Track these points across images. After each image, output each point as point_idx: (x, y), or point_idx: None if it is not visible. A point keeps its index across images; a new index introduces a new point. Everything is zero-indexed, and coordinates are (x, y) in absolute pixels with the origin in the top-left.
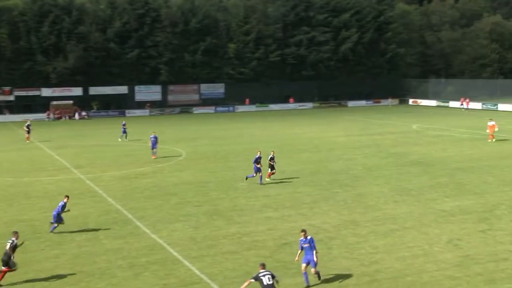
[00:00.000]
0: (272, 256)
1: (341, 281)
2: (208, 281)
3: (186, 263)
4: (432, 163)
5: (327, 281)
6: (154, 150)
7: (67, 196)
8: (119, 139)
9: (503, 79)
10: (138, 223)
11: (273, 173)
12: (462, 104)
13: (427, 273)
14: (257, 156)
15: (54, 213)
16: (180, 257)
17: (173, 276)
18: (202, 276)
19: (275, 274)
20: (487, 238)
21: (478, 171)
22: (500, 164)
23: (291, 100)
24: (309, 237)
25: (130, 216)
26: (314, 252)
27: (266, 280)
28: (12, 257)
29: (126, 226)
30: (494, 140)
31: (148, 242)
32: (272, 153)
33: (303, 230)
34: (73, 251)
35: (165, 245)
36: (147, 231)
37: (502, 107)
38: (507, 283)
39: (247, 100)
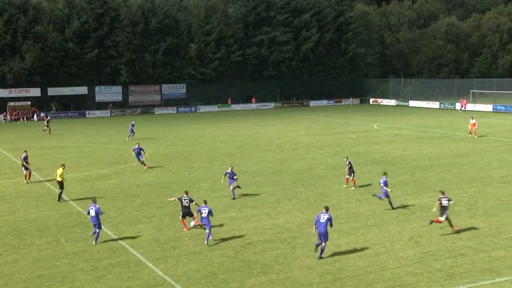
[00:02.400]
0: (236, 256)
1: (305, 280)
2: (172, 282)
3: (150, 264)
4: (392, 162)
5: (290, 279)
6: (141, 160)
7: None
8: (127, 139)
9: (459, 78)
10: None
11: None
12: (462, 106)
13: (389, 270)
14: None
15: None
16: (143, 259)
17: (136, 278)
18: (166, 277)
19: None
20: (446, 235)
21: (437, 169)
22: (458, 162)
23: (253, 100)
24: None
25: None
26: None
27: (185, 203)
28: None
29: (88, 228)
30: (476, 136)
31: (110, 244)
32: (346, 159)
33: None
34: (33, 255)
35: (128, 247)
36: (110, 233)
37: (459, 106)
38: (465, 278)
39: (229, 99)
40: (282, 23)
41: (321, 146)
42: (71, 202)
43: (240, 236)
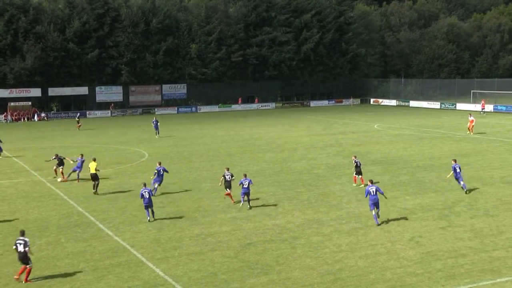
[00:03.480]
0: (237, 257)
1: (306, 280)
2: (173, 282)
3: (150, 265)
4: (393, 162)
5: (291, 280)
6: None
7: None
8: (156, 136)
9: (460, 79)
10: (101, 226)
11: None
12: (482, 108)
13: (390, 270)
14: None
15: None
16: (144, 259)
17: (137, 279)
18: (167, 277)
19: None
20: (447, 235)
21: (438, 169)
22: (459, 162)
23: (256, 100)
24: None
25: (92, 218)
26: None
27: (227, 178)
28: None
29: (89, 228)
30: (472, 133)
31: (111, 244)
32: (354, 157)
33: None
34: (33, 255)
35: (128, 247)
36: (110, 233)
37: (460, 106)
38: (466, 278)
39: (239, 99)
40: (283, 23)
41: (321, 147)
42: (71, 202)
43: (241, 237)
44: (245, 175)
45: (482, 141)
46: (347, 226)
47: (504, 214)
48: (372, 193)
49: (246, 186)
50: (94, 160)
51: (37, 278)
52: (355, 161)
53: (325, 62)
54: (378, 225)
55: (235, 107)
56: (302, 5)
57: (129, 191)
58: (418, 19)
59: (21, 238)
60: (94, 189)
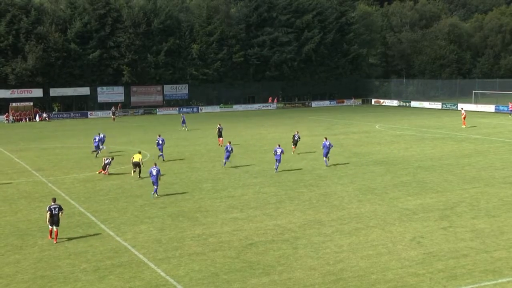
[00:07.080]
0: (238, 257)
1: (307, 280)
2: (174, 283)
3: (152, 265)
4: (395, 162)
5: (293, 280)
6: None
7: None
8: (186, 130)
9: (461, 79)
10: (102, 226)
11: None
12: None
13: (391, 271)
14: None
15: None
16: (145, 260)
17: (138, 279)
18: (168, 278)
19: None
20: (448, 235)
21: (439, 169)
22: (460, 163)
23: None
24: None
25: (94, 219)
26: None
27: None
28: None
29: (90, 229)
30: (464, 126)
31: (112, 245)
32: (297, 132)
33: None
34: (35, 256)
35: (130, 247)
36: (112, 233)
37: (461, 106)
38: (467, 279)
39: (269, 98)
40: (284, 24)
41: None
42: (73, 202)
43: (242, 237)
44: (279, 145)
45: (484, 141)
46: (348, 227)
47: (505, 214)
48: (326, 146)
49: (278, 154)
50: (139, 152)
51: (38, 278)
52: (294, 135)
53: (326, 63)
54: (328, 166)
55: (236, 107)
56: (304, 5)
57: (130, 191)
58: (420, 20)
59: (54, 204)
60: (138, 176)
